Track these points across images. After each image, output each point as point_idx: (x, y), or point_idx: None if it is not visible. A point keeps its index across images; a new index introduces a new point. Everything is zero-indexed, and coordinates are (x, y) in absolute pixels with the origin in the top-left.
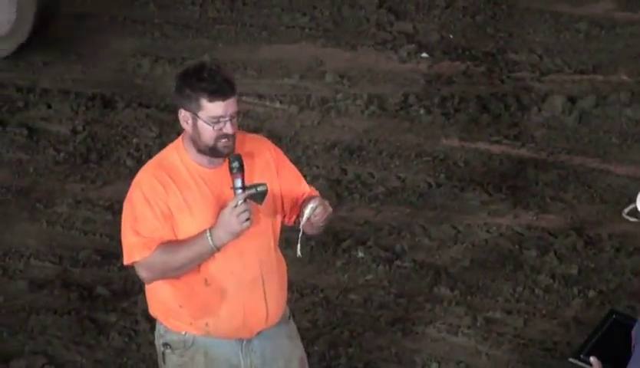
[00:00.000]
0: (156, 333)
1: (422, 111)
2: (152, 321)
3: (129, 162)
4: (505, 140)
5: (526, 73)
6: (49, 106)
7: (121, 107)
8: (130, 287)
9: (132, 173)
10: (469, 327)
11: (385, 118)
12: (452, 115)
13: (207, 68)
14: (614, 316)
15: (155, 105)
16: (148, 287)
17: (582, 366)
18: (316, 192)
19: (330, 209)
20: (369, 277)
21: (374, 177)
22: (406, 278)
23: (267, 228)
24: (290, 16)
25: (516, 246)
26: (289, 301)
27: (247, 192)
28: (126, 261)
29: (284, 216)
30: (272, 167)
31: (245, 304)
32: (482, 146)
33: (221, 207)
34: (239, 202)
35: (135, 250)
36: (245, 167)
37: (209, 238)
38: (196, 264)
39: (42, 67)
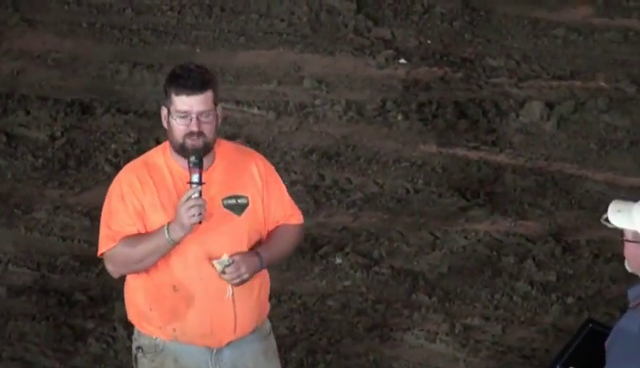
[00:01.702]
0: (133, 337)
1: (400, 117)
2: (130, 328)
3: (107, 168)
4: (483, 146)
5: (504, 79)
6: (28, 113)
7: (100, 113)
8: (108, 294)
9: (110, 179)
10: (447, 334)
11: (363, 124)
12: (430, 121)
13: (186, 66)
14: (590, 325)
15: (133, 111)
16: (125, 291)
17: None
18: (296, 220)
19: (243, 276)
20: (347, 283)
21: (351, 183)
22: (384, 285)
23: (242, 239)
24: (268, 22)
25: (494, 252)
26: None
27: (226, 202)
28: (98, 253)
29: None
30: (257, 181)
31: (212, 313)
32: (460, 151)
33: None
34: (191, 196)
35: (103, 242)
36: (226, 177)
37: (166, 231)
38: (156, 258)
39: (20, 73)
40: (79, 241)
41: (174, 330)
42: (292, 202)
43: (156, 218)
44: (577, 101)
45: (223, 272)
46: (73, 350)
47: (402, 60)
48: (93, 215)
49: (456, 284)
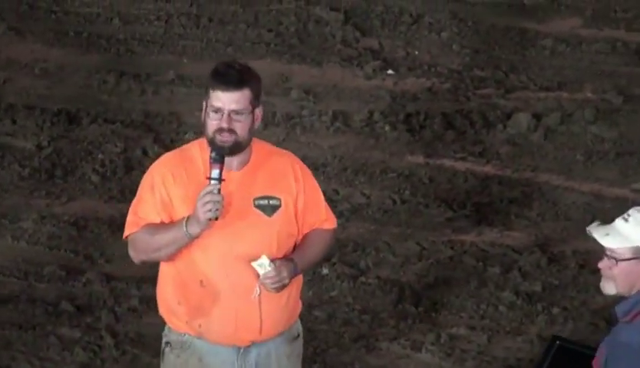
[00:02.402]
0: (163, 333)
1: (387, 128)
2: (116, 337)
3: (94, 178)
4: (470, 157)
5: (492, 90)
6: (14, 122)
7: (86, 123)
8: (95, 303)
9: (97, 189)
10: (433, 344)
11: (350, 134)
12: (417, 132)
13: (229, 63)
14: (557, 342)
15: (120, 121)
16: (157, 285)
17: None
18: (330, 225)
19: (284, 280)
20: (333, 293)
21: (338, 194)
22: (370, 295)
23: (270, 241)
24: (256, 32)
25: (480, 263)
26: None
27: (257, 202)
28: (123, 237)
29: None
30: (292, 185)
31: (237, 312)
32: (447, 162)
33: (229, 214)
34: (209, 191)
35: (128, 226)
36: (261, 177)
37: (185, 224)
38: (173, 249)
39: (7, 82)
40: (65, 251)
41: (200, 326)
42: (328, 206)
43: (183, 211)
44: (564, 112)
45: (265, 276)
46: (60, 359)
47: (390, 71)
48: (79, 225)
49: (442, 294)
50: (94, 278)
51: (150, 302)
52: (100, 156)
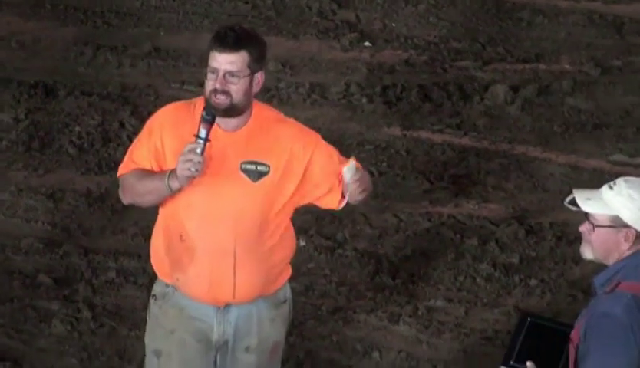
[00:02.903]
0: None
1: (364, 100)
2: (94, 309)
3: (71, 150)
4: (447, 129)
5: (469, 62)
6: None
7: (63, 95)
8: (72, 276)
9: (74, 161)
10: (410, 316)
11: (327, 107)
12: (394, 104)
13: (232, 25)
14: (528, 319)
15: (97, 93)
16: (152, 234)
17: None
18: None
19: (364, 174)
20: (311, 265)
21: None
22: (347, 267)
23: (255, 207)
24: (232, 4)
25: (458, 235)
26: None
27: (244, 166)
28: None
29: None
30: (292, 156)
31: (212, 272)
32: (424, 134)
33: (209, 168)
34: (191, 149)
35: (121, 167)
36: (252, 142)
37: (167, 176)
38: (155, 198)
39: None
40: (43, 223)
41: (177, 279)
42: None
43: (172, 163)
44: (541, 84)
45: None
46: (37, 332)
47: (366, 43)
48: (57, 197)
49: (419, 266)
50: (72, 251)
51: (128, 275)
52: (77, 128)
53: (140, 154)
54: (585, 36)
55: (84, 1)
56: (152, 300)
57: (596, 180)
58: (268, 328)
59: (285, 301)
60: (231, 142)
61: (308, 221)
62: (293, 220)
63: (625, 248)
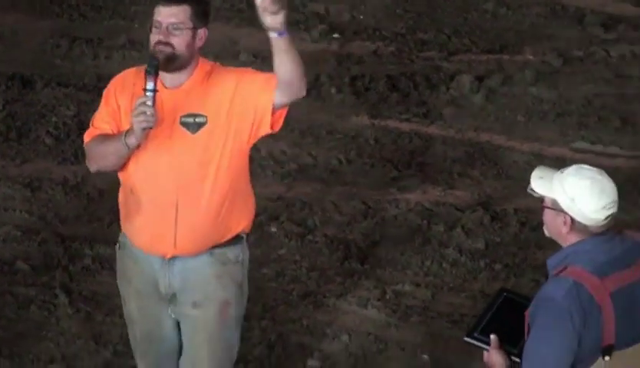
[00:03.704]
0: None
1: (333, 90)
2: (70, 295)
3: (47, 140)
4: (414, 118)
5: (435, 52)
6: None
7: (40, 87)
8: (49, 262)
9: (51, 151)
10: (378, 300)
11: None
12: (362, 94)
13: None
14: (504, 294)
15: (73, 84)
16: None
17: (477, 344)
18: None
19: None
20: (282, 251)
21: (286, 154)
22: (317, 253)
23: (195, 158)
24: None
25: (425, 221)
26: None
27: (183, 119)
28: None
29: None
30: (225, 99)
31: (154, 222)
32: (391, 123)
33: (157, 128)
34: (142, 102)
35: (85, 135)
36: (191, 96)
37: (124, 134)
38: (116, 158)
39: None
40: (20, 212)
41: (127, 230)
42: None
43: (127, 122)
44: (505, 74)
45: None
46: (15, 317)
47: (335, 35)
48: (34, 186)
49: (387, 251)
50: (49, 238)
51: (103, 261)
52: (53, 118)
53: (100, 119)
54: (548, 27)
55: None
56: (117, 247)
57: (559, 167)
58: (215, 285)
59: (235, 262)
60: (172, 98)
61: (279, 208)
62: (264, 207)
63: (565, 232)
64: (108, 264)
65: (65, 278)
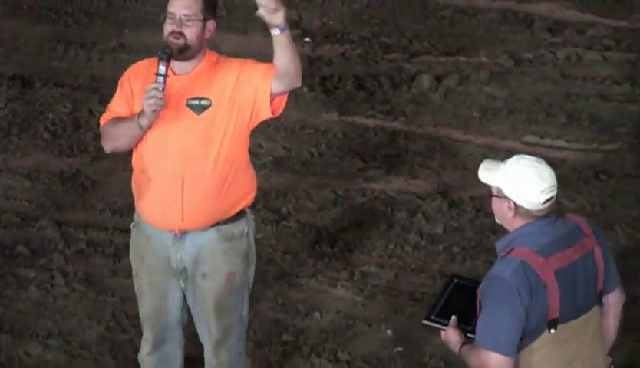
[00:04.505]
0: None
1: (305, 89)
2: (66, 276)
3: (45, 135)
4: (379, 115)
5: (398, 55)
6: None
7: (39, 86)
8: (47, 246)
9: (48, 145)
10: (347, 280)
11: None
12: (332, 92)
13: None
14: (455, 280)
15: (69, 84)
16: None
17: (435, 326)
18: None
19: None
20: (258, 236)
21: (262, 148)
22: (291, 237)
23: (199, 137)
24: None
25: (389, 208)
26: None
27: (189, 102)
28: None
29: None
30: (229, 85)
31: (163, 198)
32: (358, 119)
33: (165, 110)
34: (153, 87)
35: (101, 118)
36: (198, 81)
37: (137, 115)
38: (129, 139)
39: None
40: (20, 200)
41: (140, 208)
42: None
43: (137, 107)
44: (462, 74)
45: None
46: (16, 296)
47: (307, 39)
48: (33, 177)
49: (355, 236)
50: (46, 224)
51: (96, 245)
52: (51, 115)
53: (115, 103)
54: (500, 32)
55: (56, 2)
56: (132, 226)
57: (508, 159)
58: (221, 258)
59: (240, 237)
60: (181, 83)
61: (256, 196)
62: None
63: (510, 217)
64: (101, 248)
65: (61, 261)
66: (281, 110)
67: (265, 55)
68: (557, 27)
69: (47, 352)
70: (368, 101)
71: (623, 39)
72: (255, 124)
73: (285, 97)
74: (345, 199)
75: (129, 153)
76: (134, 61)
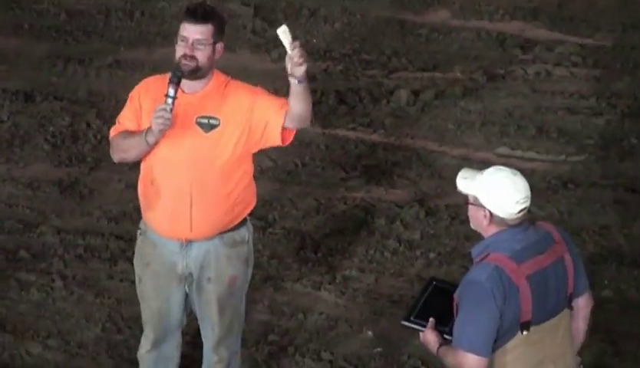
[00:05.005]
0: None
1: None
2: (65, 279)
3: (45, 147)
4: (359, 127)
5: (377, 71)
6: None
7: (40, 101)
8: (47, 251)
9: (48, 156)
10: (329, 283)
11: None
12: (315, 106)
13: (200, 2)
14: (434, 282)
15: (67, 99)
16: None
17: (413, 327)
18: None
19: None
20: None
21: None
22: (277, 243)
23: (207, 154)
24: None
25: (369, 216)
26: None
27: (199, 120)
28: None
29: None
30: (239, 109)
31: (172, 209)
32: (340, 132)
33: (175, 127)
34: (162, 107)
35: (111, 130)
36: (208, 101)
37: (145, 131)
38: (136, 152)
39: None
40: (22, 208)
41: (148, 217)
42: (278, 98)
43: (147, 122)
44: (437, 89)
45: (292, 45)
46: (18, 298)
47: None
48: (34, 186)
49: (337, 242)
50: (47, 231)
51: (94, 250)
52: (51, 128)
53: (124, 116)
54: (474, 49)
55: (56, 21)
56: (138, 233)
57: (484, 169)
58: (225, 263)
59: (243, 243)
60: (191, 101)
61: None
62: None
63: (485, 224)
64: (97, 253)
65: (61, 265)
66: (290, 140)
67: (250, 71)
68: (527, 45)
69: (47, 351)
70: (349, 114)
71: (589, 56)
72: (263, 148)
73: (295, 131)
74: (328, 207)
75: (125, 164)
76: (130, 77)
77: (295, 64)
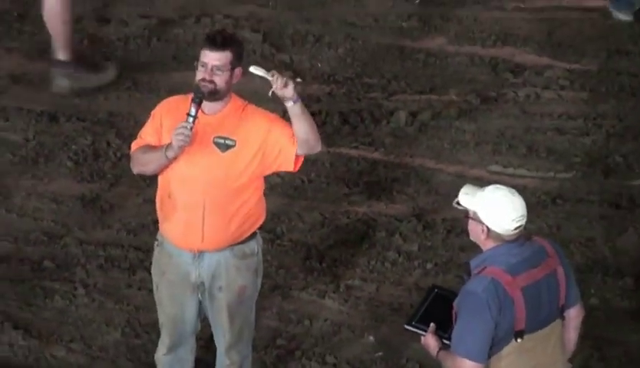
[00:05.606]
0: None
1: None
2: (87, 288)
3: (69, 164)
4: (361, 146)
5: (378, 93)
6: (7, 120)
7: (63, 121)
8: (70, 261)
9: (72, 172)
10: (334, 292)
11: None
12: (320, 126)
13: (220, 30)
14: (435, 290)
15: (89, 119)
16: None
17: (415, 331)
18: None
19: (288, 84)
20: None
21: None
22: (284, 254)
23: (222, 173)
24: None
25: (370, 229)
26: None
27: (216, 139)
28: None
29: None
30: (256, 133)
31: (186, 220)
32: (344, 150)
33: (193, 145)
34: (183, 125)
35: (132, 144)
36: (226, 122)
37: (165, 147)
38: (156, 166)
39: (2, 90)
40: (47, 221)
41: (164, 228)
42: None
43: (168, 138)
44: (434, 111)
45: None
46: (43, 306)
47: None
48: (58, 200)
49: (340, 253)
50: (70, 242)
51: (114, 261)
52: (73, 147)
53: (146, 132)
54: (468, 73)
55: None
56: (155, 244)
57: (478, 186)
58: (234, 274)
59: (252, 255)
60: (209, 122)
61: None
62: None
63: (483, 239)
64: (117, 263)
65: (83, 274)
66: (299, 166)
67: (260, 94)
68: (518, 69)
69: (70, 355)
70: (352, 134)
71: (576, 80)
72: (274, 171)
73: (304, 156)
74: (332, 221)
75: (142, 180)
76: (147, 99)
77: (280, 88)
